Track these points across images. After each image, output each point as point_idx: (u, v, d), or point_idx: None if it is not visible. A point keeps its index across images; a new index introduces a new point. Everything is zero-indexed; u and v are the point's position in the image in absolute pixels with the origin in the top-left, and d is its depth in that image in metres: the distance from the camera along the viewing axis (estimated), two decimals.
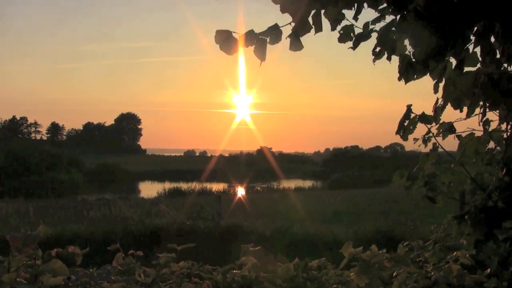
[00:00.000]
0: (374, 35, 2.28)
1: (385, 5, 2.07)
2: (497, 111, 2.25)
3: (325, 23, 2.08)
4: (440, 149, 2.42)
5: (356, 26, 2.25)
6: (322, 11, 2.03)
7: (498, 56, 2.07)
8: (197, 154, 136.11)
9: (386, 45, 2.26)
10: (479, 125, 2.36)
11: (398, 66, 2.29)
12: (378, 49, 2.30)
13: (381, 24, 2.23)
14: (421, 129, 2.40)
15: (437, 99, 2.36)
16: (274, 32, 2.00)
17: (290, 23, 2.00)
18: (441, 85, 2.35)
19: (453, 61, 2.14)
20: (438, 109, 2.36)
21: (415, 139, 2.44)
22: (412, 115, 2.36)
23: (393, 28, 2.18)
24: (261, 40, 1.99)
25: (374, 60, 2.32)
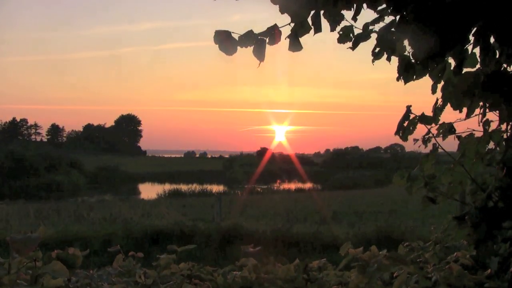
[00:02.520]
0: (374, 36, 2.28)
1: (384, 5, 2.08)
2: (497, 111, 2.25)
3: (325, 24, 2.09)
4: (440, 150, 2.42)
5: (355, 27, 2.26)
6: (322, 12, 2.03)
7: (497, 56, 2.07)
8: (197, 155, 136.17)
9: (386, 46, 2.27)
10: (479, 126, 2.36)
11: (398, 66, 2.29)
12: (377, 49, 2.30)
13: (381, 24, 2.23)
14: (421, 129, 2.40)
15: (437, 99, 2.36)
16: (273, 33, 2.00)
17: (289, 24, 2.00)
18: (440, 85, 2.35)
19: (452, 62, 2.14)
20: (437, 110, 2.36)
21: (415, 140, 2.44)
22: (412, 116, 2.36)
23: (393, 29, 2.18)
24: (260, 41, 1.99)
25: (373, 61, 2.32)
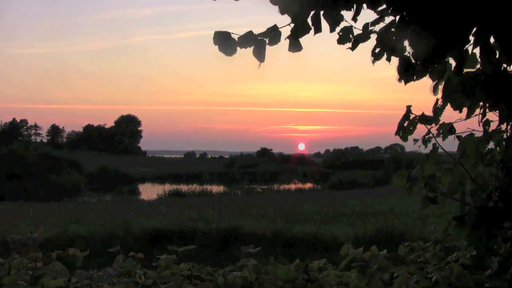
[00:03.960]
0: (373, 36, 2.28)
1: (384, 6, 2.08)
2: (497, 111, 2.25)
3: (324, 24, 2.09)
4: (440, 150, 2.42)
5: (355, 28, 2.26)
6: (321, 12, 2.03)
7: (497, 56, 2.07)
8: (197, 156, 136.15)
9: (386, 46, 2.27)
10: (479, 126, 2.36)
11: (397, 67, 2.29)
12: (377, 50, 2.30)
13: (381, 25, 2.23)
14: (421, 129, 2.40)
15: (437, 99, 2.36)
16: (273, 33, 2.00)
17: (289, 24, 2.00)
18: (440, 86, 2.35)
19: (453, 62, 2.14)
20: (437, 110, 2.36)
21: (415, 140, 2.44)
22: (412, 116, 2.36)
23: (393, 29, 2.18)
24: (260, 41, 1.99)
25: (373, 61, 2.32)
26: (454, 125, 2.38)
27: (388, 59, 2.30)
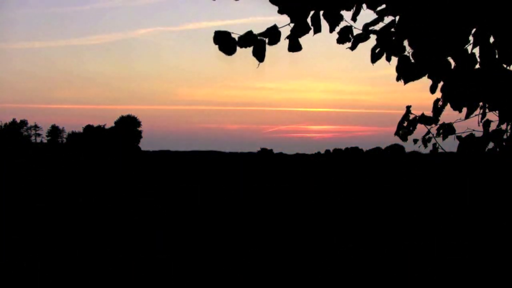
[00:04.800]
0: (373, 37, 2.28)
1: (383, 6, 2.07)
2: (497, 111, 2.25)
3: (324, 24, 2.08)
4: (440, 150, 2.42)
5: (354, 27, 2.25)
6: (321, 12, 2.03)
7: (497, 56, 2.06)
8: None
9: (386, 46, 2.26)
10: (479, 126, 2.36)
11: (397, 66, 2.28)
12: (377, 49, 2.29)
13: (381, 25, 2.23)
14: (421, 129, 2.40)
15: (436, 99, 2.36)
16: (273, 33, 2.00)
17: (289, 24, 2.00)
18: (440, 85, 2.35)
19: (452, 62, 2.14)
20: (438, 110, 2.36)
21: (415, 140, 2.44)
22: (412, 116, 2.36)
23: (392, 29, 2.18)
24: (260, 41, 1.99)
25: (373, 61, 2.31)
26: (454, 125, 2.38)
27: (388, 59, 2.29)
